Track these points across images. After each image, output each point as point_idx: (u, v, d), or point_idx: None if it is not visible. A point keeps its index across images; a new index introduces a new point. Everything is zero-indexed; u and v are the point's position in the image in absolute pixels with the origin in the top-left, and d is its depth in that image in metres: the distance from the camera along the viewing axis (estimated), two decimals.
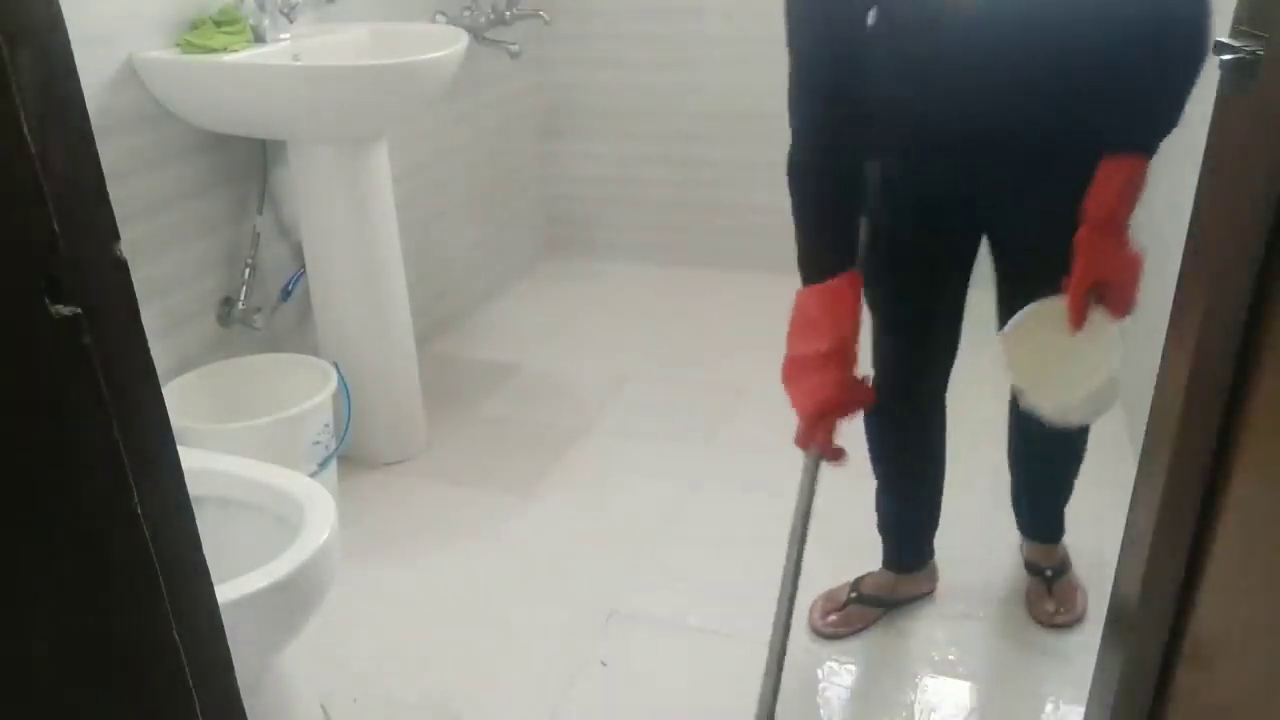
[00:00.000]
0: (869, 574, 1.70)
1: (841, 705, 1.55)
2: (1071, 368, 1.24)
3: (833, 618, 1.66)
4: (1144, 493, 0.91)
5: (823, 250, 1.20)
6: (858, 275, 1.21)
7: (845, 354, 1.18)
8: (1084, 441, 1.58)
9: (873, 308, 1.45)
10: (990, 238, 1.40)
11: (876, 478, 1.64)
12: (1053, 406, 1.28)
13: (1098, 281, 1.22)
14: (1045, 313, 1.27)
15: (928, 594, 1.71)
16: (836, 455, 1.23)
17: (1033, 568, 1.70)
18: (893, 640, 1.65)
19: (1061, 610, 1.64)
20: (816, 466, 1.22)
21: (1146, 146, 1.19)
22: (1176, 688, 0.91)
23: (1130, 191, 1.19)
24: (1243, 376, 0.77)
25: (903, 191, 1.33)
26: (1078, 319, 1.22)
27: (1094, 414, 1.31)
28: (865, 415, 1.40)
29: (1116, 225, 1.20)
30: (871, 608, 1.67)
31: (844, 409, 1.20)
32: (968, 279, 1.45)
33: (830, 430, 1.20)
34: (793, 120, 1.18)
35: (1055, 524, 1.69)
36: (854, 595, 1.67)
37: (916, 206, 1.34)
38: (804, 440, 1.22)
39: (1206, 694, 0.85)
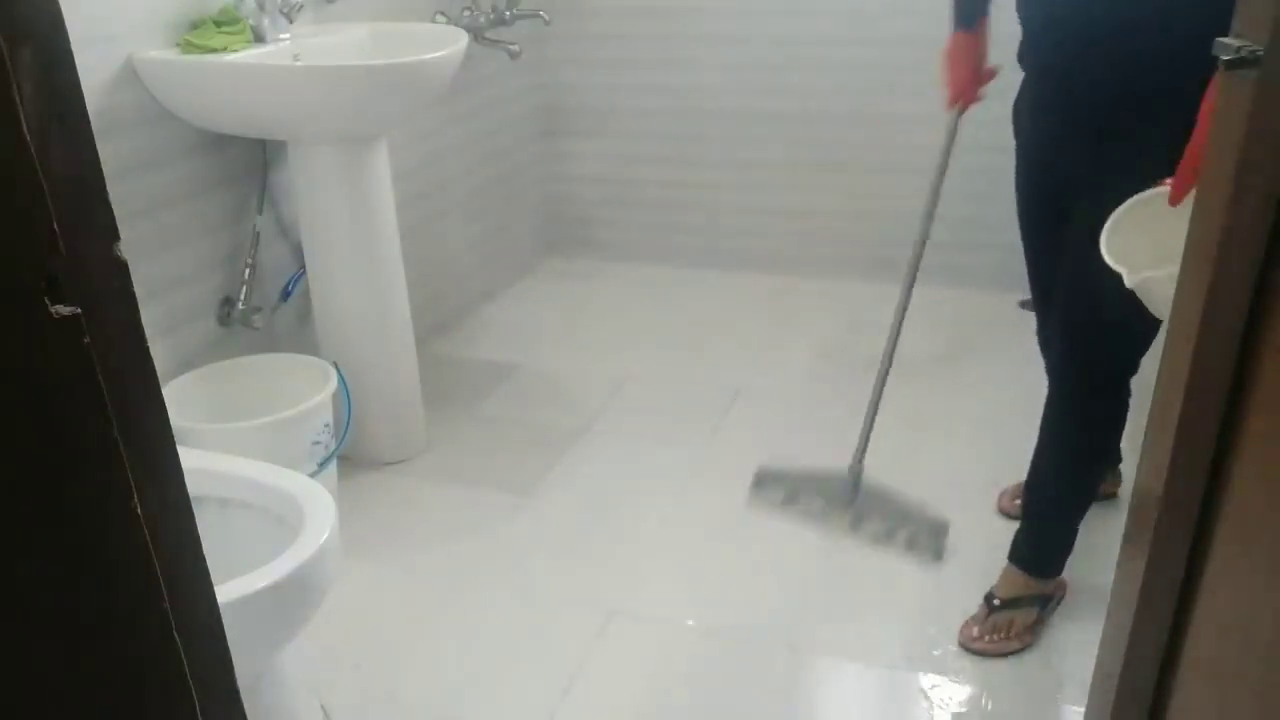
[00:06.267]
0: None
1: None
2: (1169, 245, 1.07)
3: (1018, 502, 1.84)
4: (1142, 492, 0.91)
5: (962, 4, 1.62)
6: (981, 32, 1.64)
7: (974, 75, 1.67)
8: (1084, 476, 1.62)
9: None
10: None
11: None
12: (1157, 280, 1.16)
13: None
14: (1146, 201, 1.21)
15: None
16: (972, 101, 1.70)
17: (987, 595, 1.67)
18: None
19: (985, 638, 1.62)
20: (956, 120, 1.72)
21: None
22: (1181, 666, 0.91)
23: None
24: (1242, 378, 0.77)
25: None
26: (1181, 188, 1.10)
27: None
28: None
29: None
30: None
31: (973, 92, 1.70)
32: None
33: (968, 99, 1.69)
34: None
35: (1035, 551, 1.66)
36: None
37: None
38: (949, 105, 1.71)
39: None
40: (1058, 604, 1.69)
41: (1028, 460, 1.65)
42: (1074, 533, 1.65)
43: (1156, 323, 1.33)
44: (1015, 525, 1.71)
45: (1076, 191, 1.44)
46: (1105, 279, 1.18)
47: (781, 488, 1.93)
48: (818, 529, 1.85)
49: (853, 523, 1.84)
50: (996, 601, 1.65)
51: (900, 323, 1.83)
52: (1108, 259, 1.21)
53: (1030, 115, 1.52)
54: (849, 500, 1.85)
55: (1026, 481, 1.68)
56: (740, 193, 3.13)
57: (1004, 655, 1.61)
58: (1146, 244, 1.19)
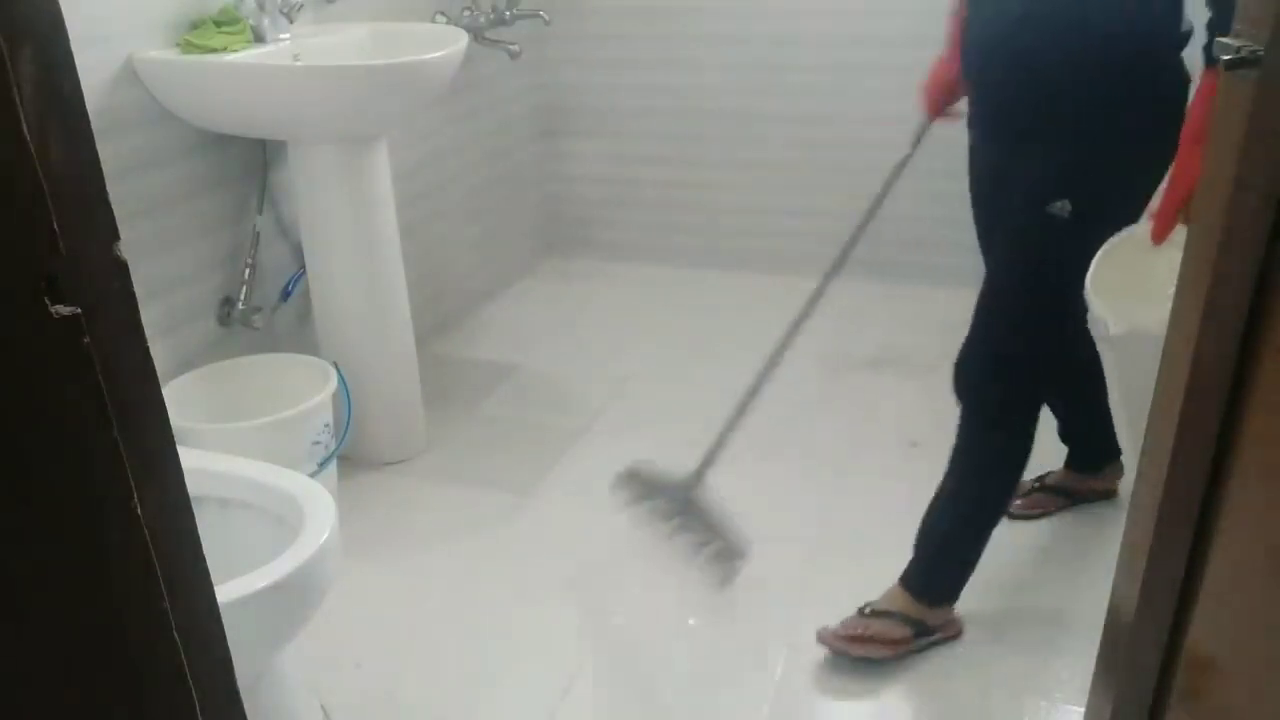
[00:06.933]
0: (1052, 471, 1.97)
1: None
2: (1151, 286, 1.13)
3: (1019, 502, 1.92)
4: (1142, 492, 0.91)
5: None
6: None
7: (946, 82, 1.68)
8: (978, 506, 1.58)
9: None
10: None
11: None
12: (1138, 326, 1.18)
13: (1190, 194, 1.15)
14: (1134, 236, 1.22)
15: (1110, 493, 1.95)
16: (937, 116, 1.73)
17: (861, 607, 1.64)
18: None
19: (836, 635, 1.59)
20: (925, 128, 1.76)
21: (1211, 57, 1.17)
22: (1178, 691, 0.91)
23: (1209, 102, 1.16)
24: (1242, 378, 0.77)
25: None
26: (1162, 228, 1.15)
27: None
28: None
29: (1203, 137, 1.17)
30: (1054, 495, 1.95)
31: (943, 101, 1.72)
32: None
33: (935, 110, 1.72)
34: None
35: (922, 577, 1.61)
36: (1036, 485, 1.96)
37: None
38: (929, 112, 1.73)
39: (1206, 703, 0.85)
40: (943, 641, 1.62)
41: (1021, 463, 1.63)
42: (965, 566, 1.60)
43: (1058, 343, 1.52)
44: (1010, 531, 1.71)
45: (996, 194, 1.52)
46: (1009, 281, 1.42)
47: (634, 488, 1.90)
48: (644, 530, 1.82)
49: (674, 530, 1.81)
50: (867, 609, 1.61)
51: (801, 321, 2.01)
52: (1094, 308, 1.22)
53: (970, 124, 1.61)
54: (679, 510, 1.82)
55: (927, 507, 1.63)
56: (740, 193, 3.12)
57: (844, 654, 1.58)
58: (1130, 281, 1.22)
